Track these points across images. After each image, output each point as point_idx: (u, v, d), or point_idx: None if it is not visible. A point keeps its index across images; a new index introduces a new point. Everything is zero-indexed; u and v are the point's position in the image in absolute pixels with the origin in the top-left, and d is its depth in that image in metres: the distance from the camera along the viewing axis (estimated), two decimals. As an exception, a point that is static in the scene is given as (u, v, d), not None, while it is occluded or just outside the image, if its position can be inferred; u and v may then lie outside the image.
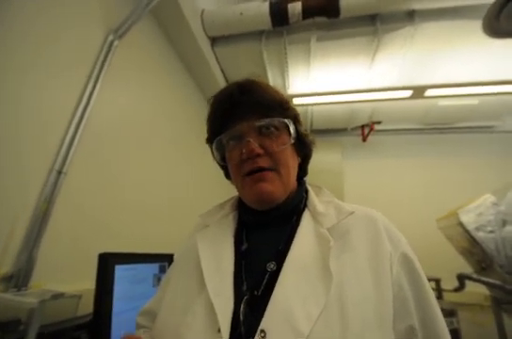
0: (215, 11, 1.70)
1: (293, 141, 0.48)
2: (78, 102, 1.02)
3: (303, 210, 0.48)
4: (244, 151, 0.45)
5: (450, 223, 2.01)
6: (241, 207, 0.53)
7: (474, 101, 2.64)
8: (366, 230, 0.43)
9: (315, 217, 0.45)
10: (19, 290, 0.78)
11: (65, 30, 0.98)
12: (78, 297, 0.76)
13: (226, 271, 0.41)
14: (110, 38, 1.12)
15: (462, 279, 1.80)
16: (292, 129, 0.47)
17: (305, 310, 0.34)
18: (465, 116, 2.92)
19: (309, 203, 0.49)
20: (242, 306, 0.37)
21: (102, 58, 1.10)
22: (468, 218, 1.80)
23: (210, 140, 0.52)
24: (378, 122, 3.14)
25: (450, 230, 2.05)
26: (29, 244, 0.85)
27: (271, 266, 0.40)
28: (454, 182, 2.89)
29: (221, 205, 0.56)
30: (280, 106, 0.48)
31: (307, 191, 0.52)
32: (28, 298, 0.66)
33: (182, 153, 1.81)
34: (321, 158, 3.18)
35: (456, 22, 1.71)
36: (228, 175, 0.54)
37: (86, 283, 0.73)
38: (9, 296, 0.68)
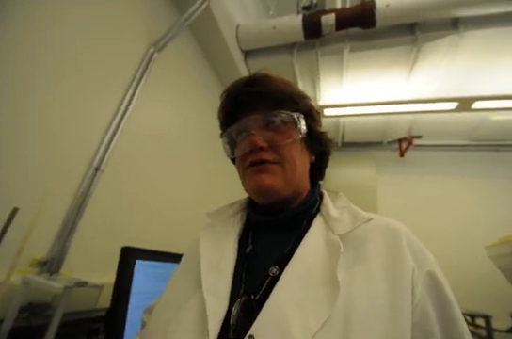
0: (249, 26, 1.79)
1: (301, 137, 0.45)
2: (118, 107, 1.12)
3: (315, 215, 0.44)
4: (247, 143, 0.44)
5: (503, 251, 1.77)
6: (250, 207, 0.51)
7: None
8: (386, 242, 0.38)
9: (328, 222, 0.41)
10: (51, 275, 0.84)
11: (112, 41, 1.11)
12: (100, 287, 0.79)
13: (225, 271, 0.40)
14: (151, 50, 1.24)
15: (518, 318, 1.54)
16: (301, 124, 0.45)
17: (302, 321, 0.30)
18: (525, 132, 2.62)
19: (322, 208, 0.45)
20: (234, 309, 0.34)
21: (142, 69, 1.21)
22: (525, 246, 1.57)
23: (222, 135, 0.51)
24: (419, 137, 2.94)
25: (503, 259, 1.80)
26: (64, 234, 0.92)
27: (274, 270, 0.37)
28: (506, 205, 2.56)
29: (231, 205, 0.54)
30: (290, 99, 0.45)
31: (321, 196, 0.49)
32: (56, 284, 0.70)
33: (208, 160, 1.86)
34: (353, 173, 3.05)
35: (505, 29, 1.59)
36: None
37: (110, 277, 0.76)
38: (41, 279, 0.73)
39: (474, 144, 2.89)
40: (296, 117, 0.45)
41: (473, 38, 1.67)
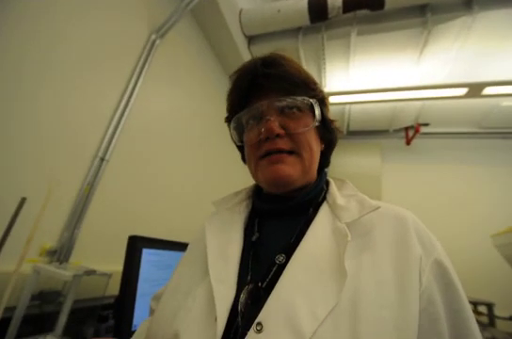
0: (252, 10, 1.72)
1: (317, 124, 0.43)
2: (122, 95, 1.10)
3: (322, 203, 0.44)
4: (263, 130, 0.41)
5: (508, 240, 1.75)
6: (256, 195, 0.50)
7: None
8: (393, 230, 0.37)
9: (334, 210, 0.41)
10: (61, 264, 0.85)
11: (113, 28, 1.07)
12: (108, 275, 0.80)
13: (231, 259, 0.39)
14: (153, 37, 1.20)
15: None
16: (317, 111, 0.43)
17: (310, 309, 0.30)
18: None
19: (328, 196, 0.44)
20: (242, 296, 0.34)
21: (144, 56, 1.18)
22: (533, 236, 1.56)
23: (229, 119, 0.49)
24: (426, 124, 2.88)
25: (508, 248, 1.79)
26: (72, 224, 0.93)
27: (280, 258, 0.37)
28: (515, 193, 2.53)
29: (237, 193, 0.53)
30: (305, 85, 0.43)
31: (328, 183, 0.48)
32: (65, 272, 0.71)
33: (213, 148, 1.85)
34: (358, 161, 3.02)
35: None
36: (244, 158, 0.51)
37: (118, 265, 0.77)
38: (51, 267, 0.74)
39: (483, 132, 2.82)
40: (313, 104, 0.43)
41: (486, 19, 1.58)
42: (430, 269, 0.34)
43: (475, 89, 2.04)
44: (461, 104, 2.38)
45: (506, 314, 1.69)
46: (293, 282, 0.33)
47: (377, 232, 0.37)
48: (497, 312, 1.79)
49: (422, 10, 1.63)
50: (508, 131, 2.75)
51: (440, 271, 0.34)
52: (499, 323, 1.79)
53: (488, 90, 2.05)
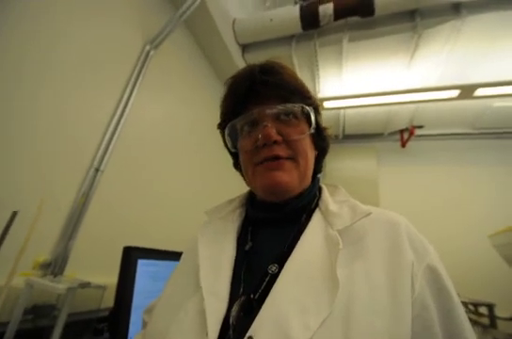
0: (245, 20, 1.75)
1: (312, 131, 0.44)
2: (116, 106, 1.11)
3: (314, 209, 0.44)
4: (260, 136, 0.41)
5: (507, 240, 1.75)
6: (249, 203, 0.50)
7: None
8: (385, 236, 0.37)
9: (327, 217, 0.41)
10: (55, 277, 0.84)
11: (108, 39, 1.08)
12: (103, 288, 0.79)
13: (224, 270, 0.39)
14: (147, 48, 1.21)
15: (522, 306, 1.53)
16: (313, 118, 0.44)
17: (302, 320, 0.30)
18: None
19: (321, 202, 0.44)
20: (234, 308, 0.34)
21: (139, 67, 1.19)
22: (530, 235, 1.56)
23: (222, 125, 0.48)
24: (420, 127, 2.91)
25: (507, 248, 1.79)
26: (66, 235, 0.92)
27: (273, 268, 0.37)
28: (510, 193, 2.53)
29: (230, 201, 0.53)
30: (301, 93, 0.44)
31: (320, 190, 0.48)
32: (59, 285, 0.70)
33: (208, 155, 1.85)
34: (354, 164, 3.03)
35: (507, 12, 1.53)
36: (236, 165, 0.51)
37: (115, 277, 0.76)
38: (45, 281, 0.73)
39: (477, 132, 2.85)
40: (309, 111, 0.44)
41: (476, 22, 1.62)
42: (423, 275, 0.34)
43: (467, 91, 2.07)
44: (454, 105, 2.41)
45: (507, 315, 1.67)
46: (285, 292, 0.33)
47: (370, 238, 0.37)
48: (498, 312, 1.77)
49: (411, 15, 1.66)
50: (501, 131, 2.77)
51: (433, 276, 0.34)
52: (500, 324, 1.78)
53: (479, 92, 2.08)
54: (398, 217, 0.40)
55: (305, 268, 0.35)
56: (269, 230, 0.44)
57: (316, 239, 0.38)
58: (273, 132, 0.41)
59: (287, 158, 0.42)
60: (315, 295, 0.32)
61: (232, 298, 0.36)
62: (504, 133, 2.77)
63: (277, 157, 0.41)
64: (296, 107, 0.43)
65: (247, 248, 0.42)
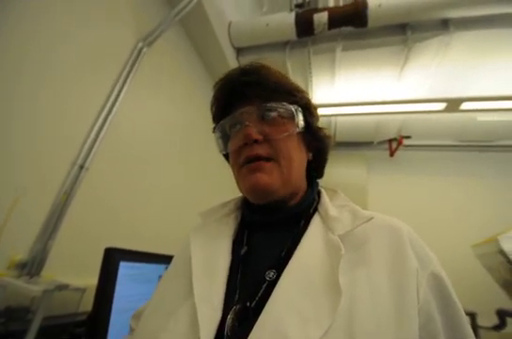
0: (241, 23, 1.77)
1: (298, 131, 0.43)
2: (105, 102, 1.08)
3: (313, 214, 0.42)
4: (241, 136, 0.41)
5: (488, 250, 1.80)
6: (245, 206, 0.49)
7: (518, 116, 2.43)
8: (388, 242, 0.36)
9: (326, 221, 0.40)
10: (31, 278, 0.80)
11: (100, 34, 1.06)
12: (82, 290, 0.76)
13: (218, 276, 0.37)
14: (140, 45, 1.20)
15: (503, 315, 1.57)
16: (298, 117, 0.42)
17: (303, 330, 0.28)
18: (509, 133, 2.68)
19: (320, 207, 0.43)
20: (229, 318, 0.32)
21: (130, 63, 1.17)
22: (510, 246, 1.61)
23: (214, 129, 0.48)
24: (408, 137, 2.98)
25: (488, 258, 1.84)
26: (45, 234, 0.88)
27: (270, 274, 0.35)
28: (493, 204, 2.63)
29: (224, 204, 0.52)
30: (286, 91, 0.43)
31: (319, 194, 0.47)
32: (34, 287, 0.67)
33: (200, 156, 1.84)
34: (344, 172, 3.06)
35: (494, 30, 1.61)
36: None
37: (94, 279, 0.73)
38: (19, 282, 0.69)
39: (462, 144, 2.95)
40: (293, 110, 0.43)
41: (464, 38, 1.69)
42: (427, 282, 0.33)
43: (453, 104, 2.14)
44: (441, 118, 2.49)
45: (489, 324, 1.70)
46: (284, 301, 0.31)
47: (372, 244, 0.36)
48: (480, 321, 1.80)
49: (402, 29, 1.72)
50: (484, 144, 2.88)
51: (437, 284, 0.34)
52: (482, 333, 1.80)
53: (465, 106, 2.16)
54: (400, 223, 0.40)
55: (305, 275, 0.33)
56: (266, 234, 0.43)
57: (316, 244, 0.37)
58: (253, 131, 0.40)
59: (268, 158, 0.41)
60: (317, 303, 0.30)
61: (227, 305, 0.34)
62: (487, 146, 2.88)
63: (258, 158, 0.40)
64: (278, 106, 0.42)
65: (242, 252, 0.41)
